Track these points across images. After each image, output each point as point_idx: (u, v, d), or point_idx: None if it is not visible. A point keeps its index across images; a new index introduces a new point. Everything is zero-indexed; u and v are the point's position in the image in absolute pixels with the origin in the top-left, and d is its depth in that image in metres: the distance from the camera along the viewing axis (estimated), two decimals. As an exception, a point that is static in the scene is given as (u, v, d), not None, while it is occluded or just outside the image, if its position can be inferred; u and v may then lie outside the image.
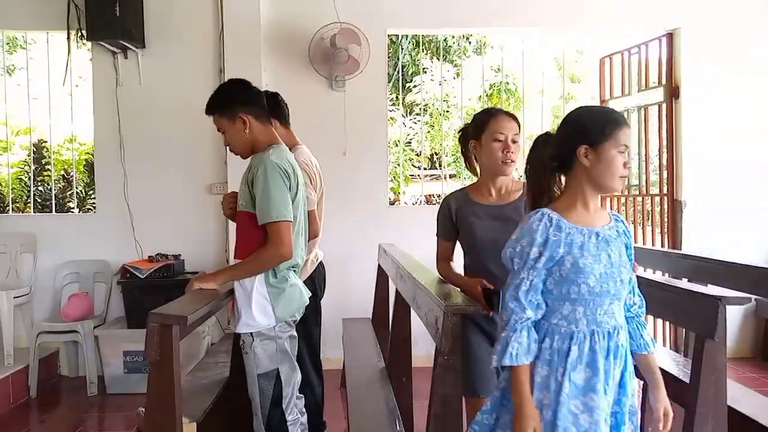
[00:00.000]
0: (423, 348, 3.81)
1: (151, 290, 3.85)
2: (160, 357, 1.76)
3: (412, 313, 2.55)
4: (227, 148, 2.31)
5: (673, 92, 4.55)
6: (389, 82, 7.36)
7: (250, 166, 2.16)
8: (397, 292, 2.94)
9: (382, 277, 3.80)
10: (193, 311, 1.84)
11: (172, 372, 1.76)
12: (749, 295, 1.95)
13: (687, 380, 2.20)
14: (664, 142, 4.63)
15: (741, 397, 2.40)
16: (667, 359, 2.80)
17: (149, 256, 4.10)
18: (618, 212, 5.21)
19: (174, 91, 4.32)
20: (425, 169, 10.03)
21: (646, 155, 4.75)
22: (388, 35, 4.72)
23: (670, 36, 4.57)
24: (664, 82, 4.59)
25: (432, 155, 9.71)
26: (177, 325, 1.77)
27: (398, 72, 6.29)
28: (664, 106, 4.59)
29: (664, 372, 2.63)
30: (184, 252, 4.22)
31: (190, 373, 3.12)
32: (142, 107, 4.32)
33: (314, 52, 4.25)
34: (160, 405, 1.76)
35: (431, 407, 1.79)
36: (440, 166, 6.64)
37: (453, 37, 8.19)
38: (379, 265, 3.89)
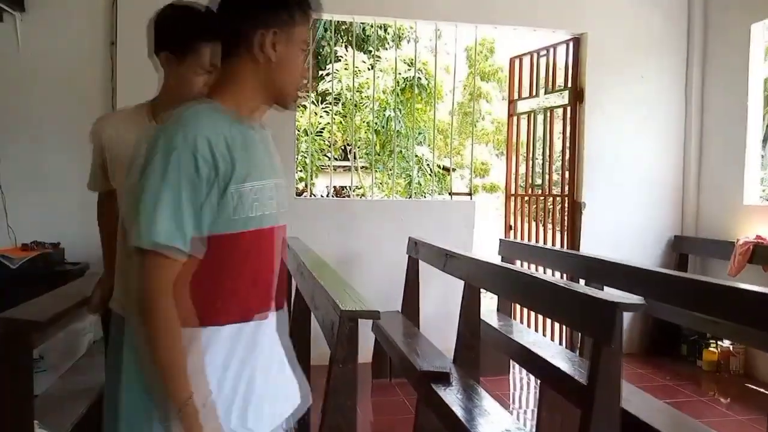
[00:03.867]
0: (324, 345, 3.68)
1: (25, 282, 3.44)
2: (9, 367, 1.52)
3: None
4: None
5: (577, 96, 4.68)
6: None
7: None
8: (297, 290, 2.80)
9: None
10: (52, 314, 1.60)
11: (26, 386, 1.52)
12: (642, 301, 1.97)
13: (583, 381, 2.22)
14: (568, 144, 4.76)
15: (630, 396, 2.47)
16: (563, 360, 2.85)
17: (23, 244, 3.68)
18: (523, 211, 5.30)
19: (58, 61, 3.93)
20: (337, 159, 9.87)
21: (550, 156, 4.87)
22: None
23: (577, 40, 4.70)
24: (569, 85, 4.71)
25: (345, 147, 9.55)
26: (33, 333, 1.53)
27: (310, 58, 6.09)
28: (568, 108, 4.72)
29: (561, 373, 2.69)
30: (65, 240, 3.82)
31: (63, 377, 2.81)
32: (20, 77, 3.89)
33: (219, 30, 3.97)
34: (9, 422, 1.52)
35: (324, 419, 1.67)
36: (354, 157, 6.51)
37: (372, 26, 8.08)
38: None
